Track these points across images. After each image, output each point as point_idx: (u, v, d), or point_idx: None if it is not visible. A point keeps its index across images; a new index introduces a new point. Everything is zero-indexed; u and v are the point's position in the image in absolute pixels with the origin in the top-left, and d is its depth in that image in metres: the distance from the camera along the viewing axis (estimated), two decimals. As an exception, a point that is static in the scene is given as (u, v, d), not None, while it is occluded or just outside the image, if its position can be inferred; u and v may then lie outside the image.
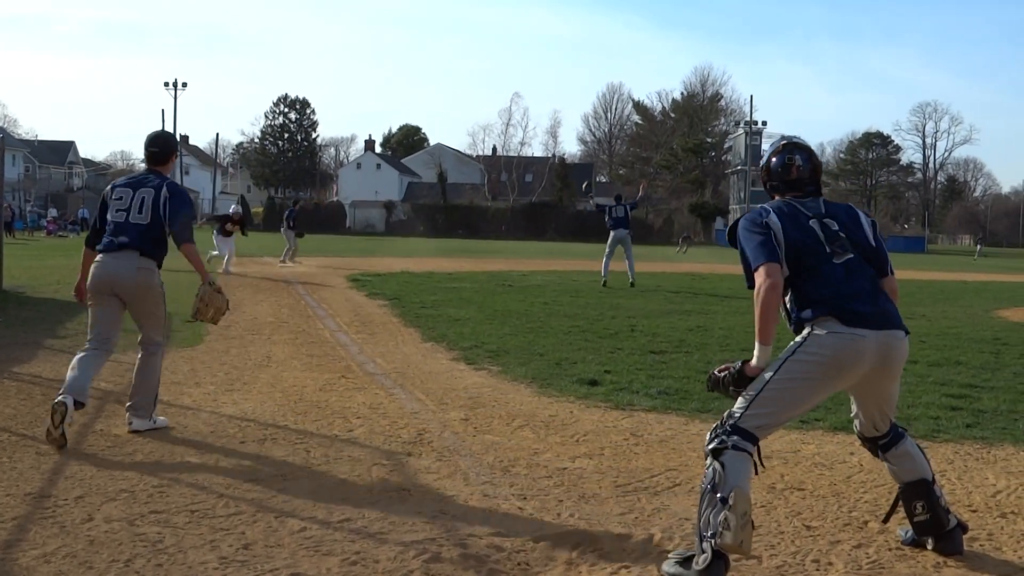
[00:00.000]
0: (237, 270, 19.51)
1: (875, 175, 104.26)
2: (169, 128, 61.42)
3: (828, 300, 3.54)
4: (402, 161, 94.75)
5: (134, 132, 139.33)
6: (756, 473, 3.51)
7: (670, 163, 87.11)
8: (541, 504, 4.33)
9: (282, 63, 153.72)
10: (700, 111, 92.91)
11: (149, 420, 5.53)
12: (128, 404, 5.57)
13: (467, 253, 34.42)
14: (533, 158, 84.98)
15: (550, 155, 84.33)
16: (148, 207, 5.47)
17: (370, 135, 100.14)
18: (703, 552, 3.35)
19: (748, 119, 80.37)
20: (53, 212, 55.70)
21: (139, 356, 5.60)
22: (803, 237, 3.62)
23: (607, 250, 18.09)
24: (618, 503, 4.39)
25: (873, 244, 3.74)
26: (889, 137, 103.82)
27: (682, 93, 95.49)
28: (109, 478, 4.57)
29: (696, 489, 4.32)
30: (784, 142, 3.92)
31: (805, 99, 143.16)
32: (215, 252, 19.28)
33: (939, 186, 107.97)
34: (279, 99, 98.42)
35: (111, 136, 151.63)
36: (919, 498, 3.76)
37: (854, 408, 3.85)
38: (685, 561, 3.45)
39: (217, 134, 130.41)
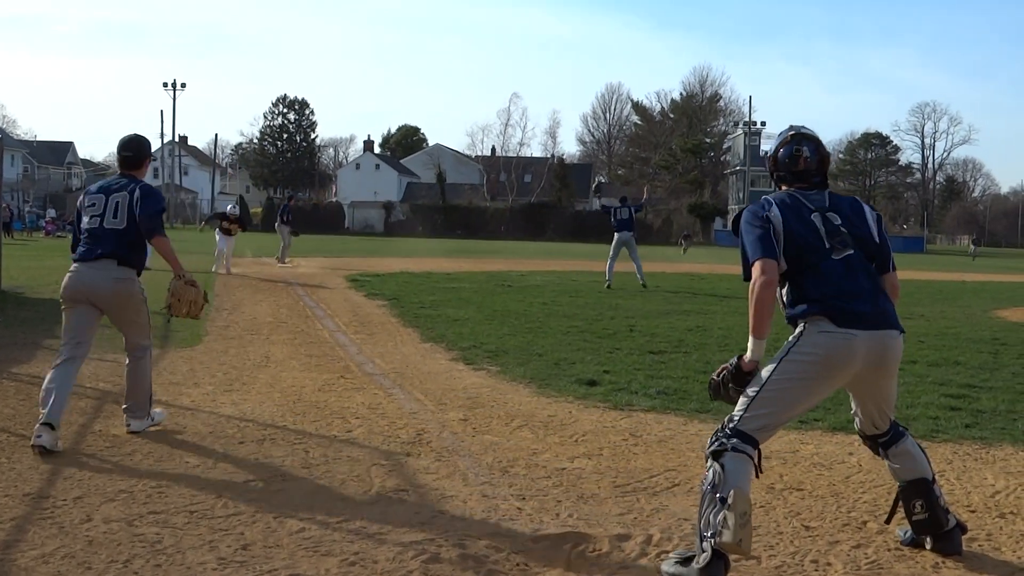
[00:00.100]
0: (237, 270, 19.55)
1: (874, 175, 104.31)
2: (168, 128, 61.39)
3: (825, 299, 3.53)
4: (401, 161, 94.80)
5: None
6: (756, 476, 3.52)
7: (669, 163, 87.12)
8: (540, 504, 4.33)
9: (281, 63, 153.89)
10: (699, 111, 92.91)
11: (146, 419, 5.55)
12: (124, 407, 5.58)
13: (466, 253, 34.35)
14: (532, 158, 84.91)
15: (549, 155, 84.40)
16: (123, 210, 5.35)
17: (369, 135, 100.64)
18: (703, 552, 3.36)
19: (747, 119, 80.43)
20: (52, 212, 55.58)
21: (127, 362, 5.58)
22: (804, 232, 3.61)
23: (611, 252, 17.97)
24: (617, 503, 4.39)
25: (877, 239, 3.72)
26: (888, 137, 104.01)
27: (681, 93, 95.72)
28: (108, 479, 4.57)
29: (695, 489, 4.34)
30: (792, 132, 3.87)
31: (804, 99, 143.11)
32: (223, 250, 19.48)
33: (938, 186, 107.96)
34: (278, 99, 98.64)
35: (110, 136, 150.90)
36: (918, 497, 3.76)
37: (854, 407, 3.85)
38: (685, 561, 3.45)
39: (216, 134, 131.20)
